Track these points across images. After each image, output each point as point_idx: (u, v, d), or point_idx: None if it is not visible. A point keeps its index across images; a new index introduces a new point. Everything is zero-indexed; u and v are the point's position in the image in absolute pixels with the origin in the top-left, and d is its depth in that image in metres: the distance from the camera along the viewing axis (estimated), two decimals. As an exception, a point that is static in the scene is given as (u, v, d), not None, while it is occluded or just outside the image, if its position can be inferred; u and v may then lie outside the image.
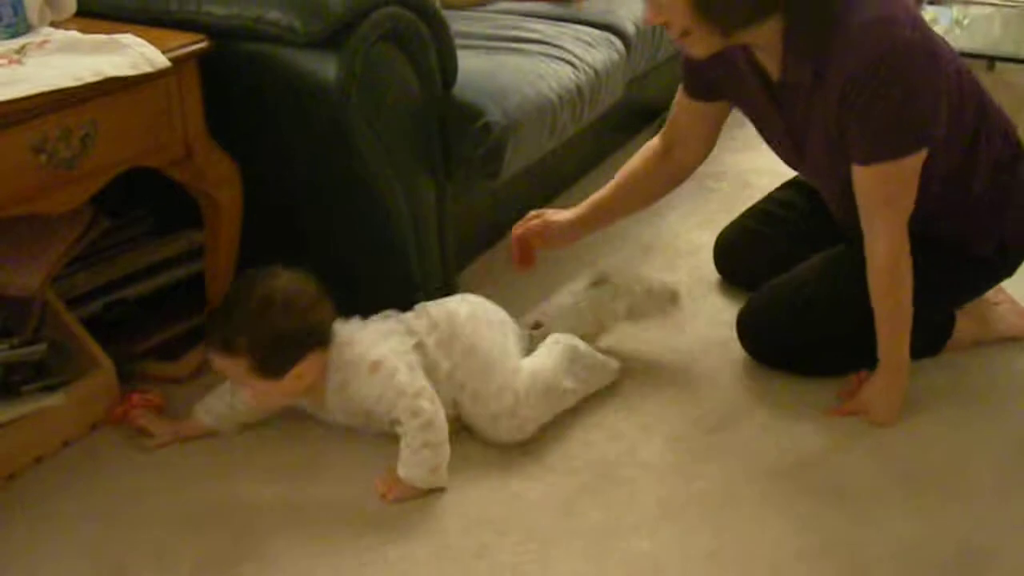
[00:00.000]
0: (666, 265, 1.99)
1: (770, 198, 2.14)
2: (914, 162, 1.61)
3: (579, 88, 2.18)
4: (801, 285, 1.85)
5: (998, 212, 1.80)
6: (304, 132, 1.79)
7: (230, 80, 1.76)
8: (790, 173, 2.02)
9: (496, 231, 2.00)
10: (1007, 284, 1.99)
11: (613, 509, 1.58)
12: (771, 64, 1.68)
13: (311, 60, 1.71)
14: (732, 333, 1.92)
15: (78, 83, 1.49)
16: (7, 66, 1.53)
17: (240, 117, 1.80)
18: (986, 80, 2.51)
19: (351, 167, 1.79)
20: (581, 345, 1.79)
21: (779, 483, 1.63)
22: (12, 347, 1.67)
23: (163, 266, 1.97)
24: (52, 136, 1.50)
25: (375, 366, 1.62)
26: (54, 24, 1.72)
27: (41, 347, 1.69)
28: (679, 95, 1.88)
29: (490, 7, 2.56)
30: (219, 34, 1.71)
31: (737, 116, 1.88)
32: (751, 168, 2.58)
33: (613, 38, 2.38)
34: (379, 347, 1.64)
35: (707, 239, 2.22)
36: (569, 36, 2.30)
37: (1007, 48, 3.12)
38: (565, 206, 2.01)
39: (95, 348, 1.75)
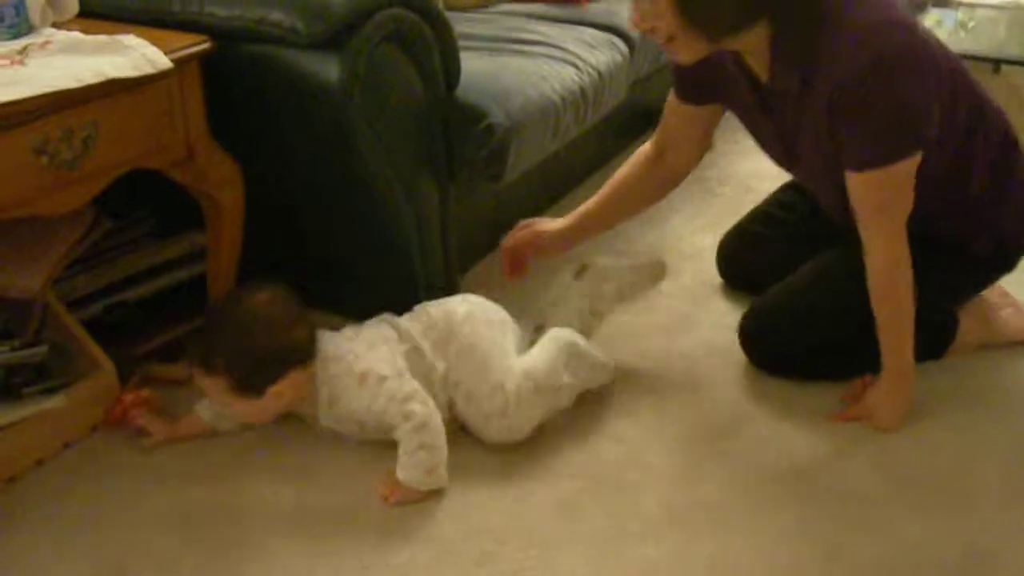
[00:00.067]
0: (669, 269, 1.99)
1: (770, 200, 2.13)
2: (908, 166, 1.60)
3: (582, 90, 2.17)
4: (802, 292, 1.85)
5: (996, 210, 1.79)
6: (306, 133, 1.79)
7: (232, 81, 1.75)
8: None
9: (499, 233, 2.00)
10: (1013, 289, 1.98)
11: (616, 514, 1.57)
12: (760, 68, 1.67)
13: (314, 61, 1.71)
14: (736, 337, 1.91)
15: (80, 84, 1.49)
16: (9, 67, 1.52)
17: (242, 118, 1.79)
18: (991, 83, 2.50)
19: (353, 168, 1.79)
20: (581, 341, 1.77)
21: (783, 488, 1.62)
22: (13, 349, 1.66)
23: (164, 268, 1.97)
24: (54, 137, 1.50)
25: (363, 377, 1.62)
26: (56, 25, 1.72)
27: (42, 349, 1.69)
28: (670, 98, 1.87)
29: (493, 8, 2.55)
30: (221, 35, 1.70)
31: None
32: (754, 172, 2.57)
33: (616, 40, 2.38)
34: (366, 358, 1.64)
35: (710, 243, 2.22)
36: (572, 38, 2.30)
37: (1013, 51, 3.11)
38: (568, 208, 2.00)
39: (96, 350, 1.75)
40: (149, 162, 1.67)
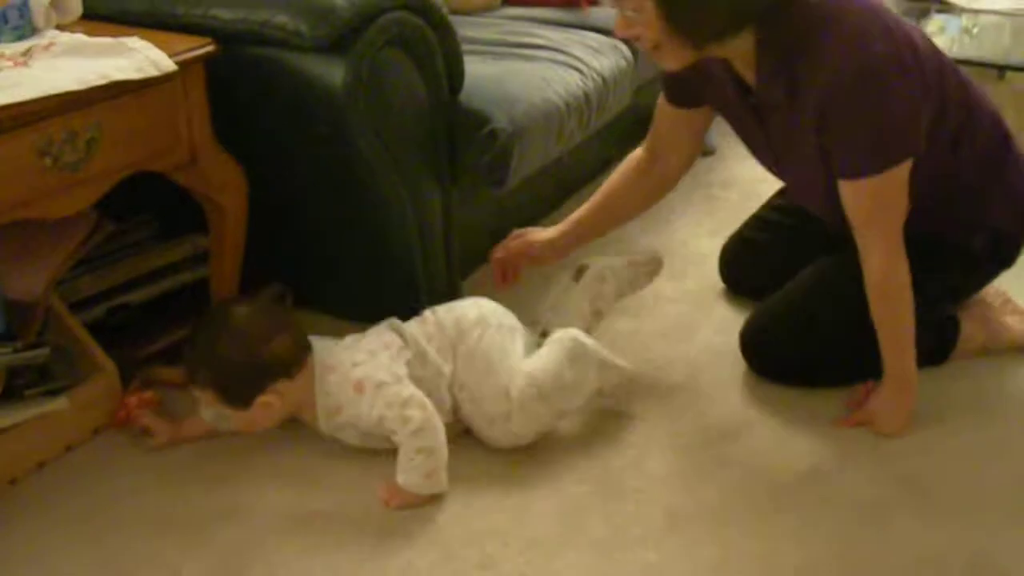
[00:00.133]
0: (674, 274, 1.99)
1: (768, 205, 2.13)
2: (900, 172, 1.59)
3: (586, 95, 2.17)
4: (801, 300, 1.84)
5: (988, 205, 1.78)
6: (310, 136, 1.79)
7: (236, 84, 1.75)
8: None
9: (502, 238, 2.00)
10: (1016, 293, 1.98)
11: (618, 520, 1.57)
12: (747, 73, 1.67)
13: (317, 65, 1.71)
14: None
15: (84, 86, 1.49)
16: (13, 69, 1.52)
17: (246, 121, 1.79)
18: (996, 89, 2.49)
19: (356, 172, 1.79)
20: (587, 340, 1.73)
21: (786, 494, 1.62)
22: (16, 351, 1.66)
23: (167, 271, 1.97)
24: (57, 139, 1.50)
25: (359, 386, 1.62)
26: (60, 27, 1.72)
27: (44, 351, 1.69)
28: (660, 102, 1.87)
29: (497, 13, 2.55)
30: (225, 38, 1.70)
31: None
32: (759, 177, 2.54)
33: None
34: (363, 367, 1.64)
35: (715, 248, 2.21)
36: (576, 42, 2.30)
37: (1017, 57, 3.10)
38: (571, 212, 2.00)
39: (98, 352, 1.75)
40: (153, 165, 1.67)
